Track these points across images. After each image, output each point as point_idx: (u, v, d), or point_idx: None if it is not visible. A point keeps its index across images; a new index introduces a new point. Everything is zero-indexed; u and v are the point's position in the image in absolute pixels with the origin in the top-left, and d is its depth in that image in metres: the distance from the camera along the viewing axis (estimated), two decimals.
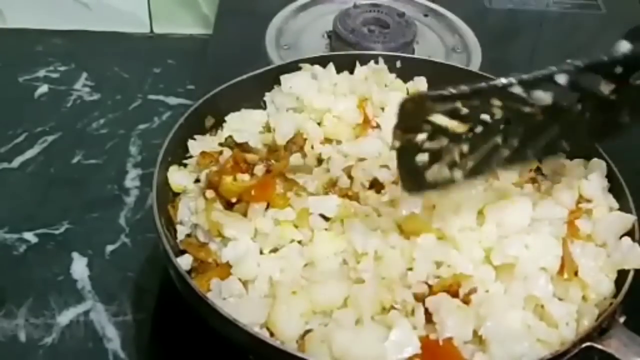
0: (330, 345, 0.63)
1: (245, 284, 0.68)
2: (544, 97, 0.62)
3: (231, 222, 0.71)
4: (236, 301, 0.66)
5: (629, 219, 0.73)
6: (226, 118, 0.84)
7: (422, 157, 0.64)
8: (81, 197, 0.95)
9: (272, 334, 0.65)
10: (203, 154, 0.78)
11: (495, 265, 0.68)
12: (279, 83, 0.86)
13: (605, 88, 0.63)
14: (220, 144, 0.80)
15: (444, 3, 1.18)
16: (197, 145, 0.80)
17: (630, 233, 0.72)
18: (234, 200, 0.73)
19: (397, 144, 0.63)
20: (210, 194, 0.74)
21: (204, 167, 0.76)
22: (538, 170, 0.81)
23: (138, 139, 1.04)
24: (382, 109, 0.86)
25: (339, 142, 0.83)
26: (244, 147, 0.80)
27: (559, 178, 0.78)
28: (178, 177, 0.77)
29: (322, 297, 0.66)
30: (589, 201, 0.75)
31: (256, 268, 0.68)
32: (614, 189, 0.77)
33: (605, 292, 0.69)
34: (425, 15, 1.18)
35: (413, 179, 0.66)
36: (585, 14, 1.25)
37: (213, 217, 0.71)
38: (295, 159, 0.79)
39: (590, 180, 0.76)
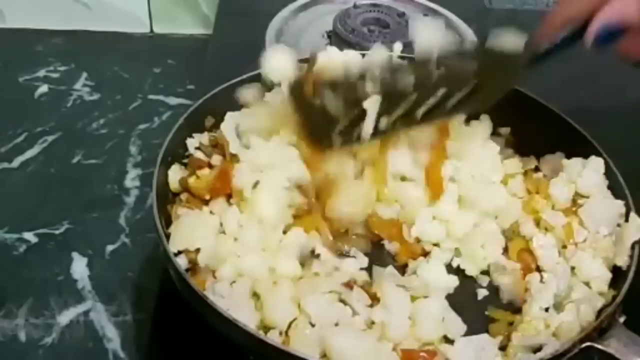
0: (328, 348, 0.63)
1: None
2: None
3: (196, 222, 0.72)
4: (227, 301, 0.66)
5: (619, 205, 0.74)
6: (225, 117, 0.84)
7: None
8: (81, 197, 0.95)
9: (268, 330, 0.65)
10: (192, 158, 0.78)
11: None
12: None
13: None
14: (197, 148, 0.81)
15: (444, 3, 1.18)
16: (196, 144, 0.80)
17: None
18: (208, 197, 0.75)
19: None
20: (184, 196, 0.75)
21: (191, 174, 0.77)
22: (536, 168, 0.82)
23: (138, 139, 1.04)
24: None
25: None
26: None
27: (556, 175, 0.78)
28: (178, 177, 0.77)
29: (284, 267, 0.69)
30: (586, 197, 0.76)
31: (230, 269, 0.69)
32: (614, 187, 0.77)
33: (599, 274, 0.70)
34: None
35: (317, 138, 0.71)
36: None
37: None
38: None
39: (585, 177, 0.76)
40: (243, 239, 0.71)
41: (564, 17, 0.67)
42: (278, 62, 0.77)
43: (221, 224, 0.73)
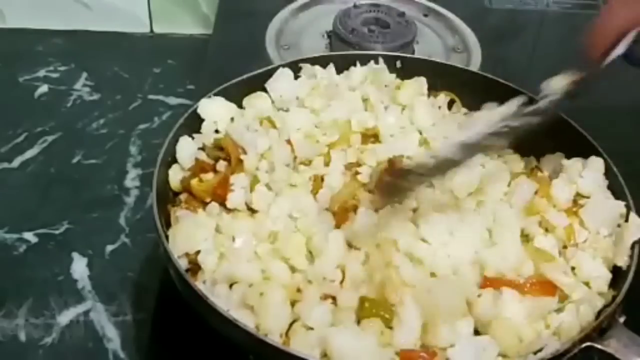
0: (328, 348, 0.63)
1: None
2: None
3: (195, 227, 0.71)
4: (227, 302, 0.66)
5: (619, 205, 0.73)
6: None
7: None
8: (81, 197, 0.95)
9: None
10: (197, 161, 0.78)
11: None
12: None
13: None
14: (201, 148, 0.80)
15: (444, 3, 1.18)
16: (193, 144, 0.80)
17: None
18: (208, 200, 0.75)
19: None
20: (184, 196, 0.75)
21: (194, 176, 0.77)
22: (536, 168, 0.82)
23: (138, 139, 1.04)
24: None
25: None
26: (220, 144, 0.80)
27: (557, 175, 0.78)
28: (179, 177, 0.77)
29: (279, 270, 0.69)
30: (586, 197, 0.76)
31: (231, 271, 0.69)
32: (614, 187, 0.77)
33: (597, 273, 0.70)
34: (425, 15, 1.18)
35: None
36: (585, 14, 1.25)
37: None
38: None
39: (586, 177, 0.76)
40: (237, 245, 0.71)
41: (615, 28, 0.67)
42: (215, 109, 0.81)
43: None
